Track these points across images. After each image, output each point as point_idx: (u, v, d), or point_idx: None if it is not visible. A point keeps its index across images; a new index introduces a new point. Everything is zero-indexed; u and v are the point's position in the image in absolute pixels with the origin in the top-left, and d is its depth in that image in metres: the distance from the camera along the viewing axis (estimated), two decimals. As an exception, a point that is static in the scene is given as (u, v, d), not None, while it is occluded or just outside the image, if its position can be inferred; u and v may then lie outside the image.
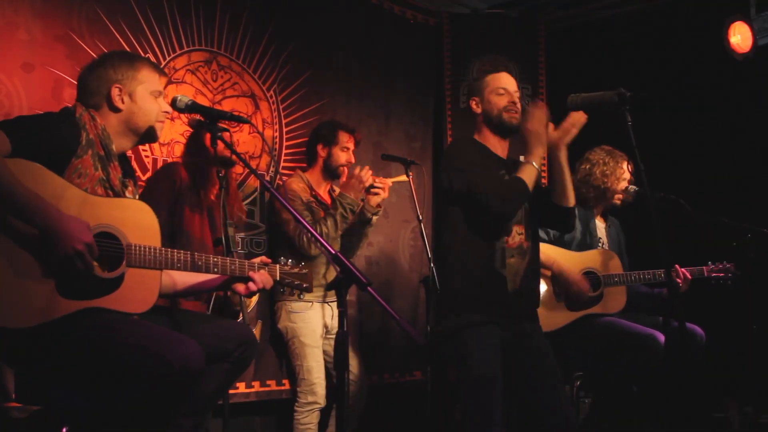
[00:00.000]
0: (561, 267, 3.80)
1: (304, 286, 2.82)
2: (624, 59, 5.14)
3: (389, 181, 4.14)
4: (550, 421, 2.97)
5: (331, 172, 4.15)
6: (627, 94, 2.75)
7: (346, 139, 4.14)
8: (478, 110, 3.24)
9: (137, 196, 2.65)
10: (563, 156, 3.10)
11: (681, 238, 3.96)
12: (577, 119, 3.05)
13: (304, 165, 4.34)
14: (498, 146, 3.23)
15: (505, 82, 3.25)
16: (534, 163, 3.04)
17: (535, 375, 3.00)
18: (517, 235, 3.12)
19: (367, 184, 3.99)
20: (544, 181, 3.98)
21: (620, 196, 4.13)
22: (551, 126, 3.11)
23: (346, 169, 4.11)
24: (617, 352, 3.81)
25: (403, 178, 4.17)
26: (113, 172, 2.49)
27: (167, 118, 2.74)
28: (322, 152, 4.15)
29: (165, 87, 2.71)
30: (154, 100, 2.62)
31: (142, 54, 3.83)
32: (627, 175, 4.12)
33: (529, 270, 3.15)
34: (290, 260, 2.82)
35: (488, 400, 2.89)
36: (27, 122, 2.44)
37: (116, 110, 2.56)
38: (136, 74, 2.60)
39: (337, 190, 4.25)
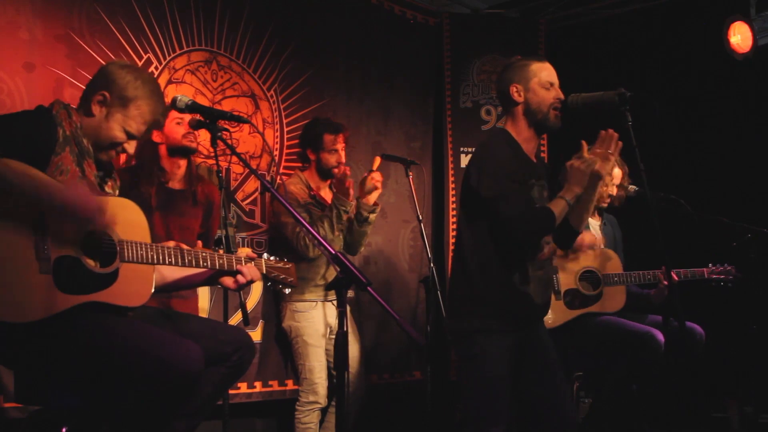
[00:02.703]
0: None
1: (289, 280, 2.82)
2: (624, 59, 5.15)
3: (377, 175, 4.10)
4: (551, 415, 2.94)
5: (324, 174, 4.14)
6: (627, 94, 2.74)
7: (331, 142, 4.08)
8: (520, 99, 2.95)
9: (117, 191, 2.65)
10: (598, 186, 2.95)
11: (681, 238, 3.96)
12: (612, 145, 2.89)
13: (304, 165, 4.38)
14: (531, 141, 3.00)
15: (553, 75, 2.99)
16: (567, 199, 2.87)
17: (540, 369, 2.98)
18: (546, 246, 2.98)
19: (347, 183, 3.95)
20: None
21: (607, 199, 4.13)
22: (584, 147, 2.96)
23: (337, 170, 4.07)
24: (616, 351, 3.81)
25: (377, 161, 4.14)
26: (88, 169, 2.49)
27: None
28: (311, 156, 4.14)
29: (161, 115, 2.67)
30: (122, 133, 2.56)
31: (143, 54, 3.84)
32: (615, 181, 4.12)
33: (550, 279, 3.10)
34: (273, 256, 2.83)
35: (496, 400, 2.87)
36: (5, 122, 2.43)
37: (89, 114, 2.53)
38: (129, 104, 2.53)
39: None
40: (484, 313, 2.91)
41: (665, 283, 3.92)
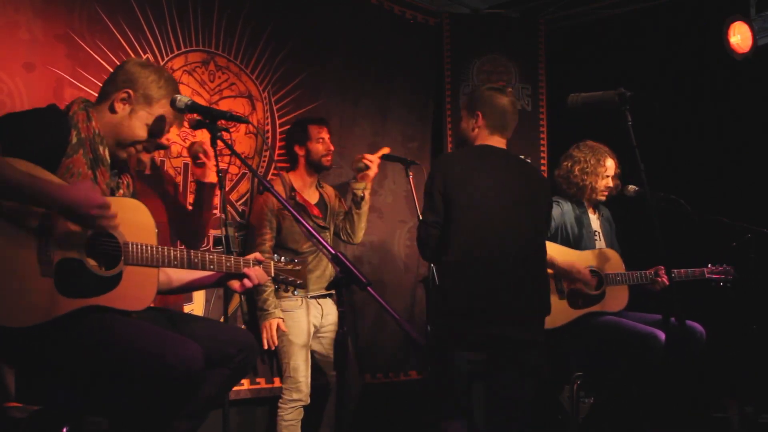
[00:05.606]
0: (562, 263, 3.79)
1: (298, 282, 2.85)
2: (624, 59, 5.14)
3: (376, 158, 4.19)
4: None
5: (314, 167, 4.21)
6: (627, 94, 2.75)
7: (317, 132, 4.20)
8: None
9: (130, 193, 2.65)
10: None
11: (681, 238, 3.96)
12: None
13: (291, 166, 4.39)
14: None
15: None
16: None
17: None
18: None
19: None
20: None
21: (605, 192, 4.13)
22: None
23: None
24: (617, 351, 3.81)
25: (386, 150, 4.26)
26: (100, 177, 2.49)
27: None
28: (300, 151, 4.22)
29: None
30: (144, 132, 2.60)
31: (142, 54, 3.84)
32: (610, 172, 4.12)
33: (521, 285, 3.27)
34: (284, 257, 2.85)
35: (467, 392, 2.93)
36: (15, 121, 2.42)
37: (112, 111, 2.57)
38: (153, 102, 2.59)
39: (325, 186, 4.35)
40: (455, 310, 3.09)
41: (659, 279, 3.96)
